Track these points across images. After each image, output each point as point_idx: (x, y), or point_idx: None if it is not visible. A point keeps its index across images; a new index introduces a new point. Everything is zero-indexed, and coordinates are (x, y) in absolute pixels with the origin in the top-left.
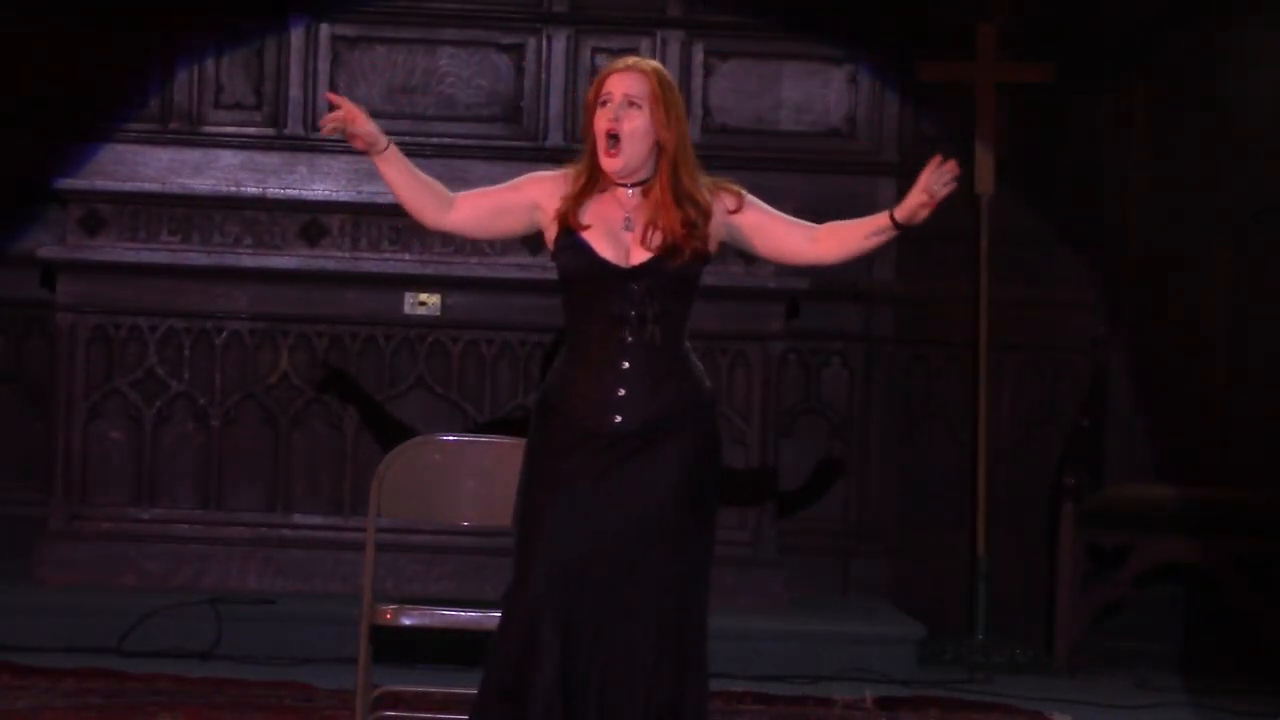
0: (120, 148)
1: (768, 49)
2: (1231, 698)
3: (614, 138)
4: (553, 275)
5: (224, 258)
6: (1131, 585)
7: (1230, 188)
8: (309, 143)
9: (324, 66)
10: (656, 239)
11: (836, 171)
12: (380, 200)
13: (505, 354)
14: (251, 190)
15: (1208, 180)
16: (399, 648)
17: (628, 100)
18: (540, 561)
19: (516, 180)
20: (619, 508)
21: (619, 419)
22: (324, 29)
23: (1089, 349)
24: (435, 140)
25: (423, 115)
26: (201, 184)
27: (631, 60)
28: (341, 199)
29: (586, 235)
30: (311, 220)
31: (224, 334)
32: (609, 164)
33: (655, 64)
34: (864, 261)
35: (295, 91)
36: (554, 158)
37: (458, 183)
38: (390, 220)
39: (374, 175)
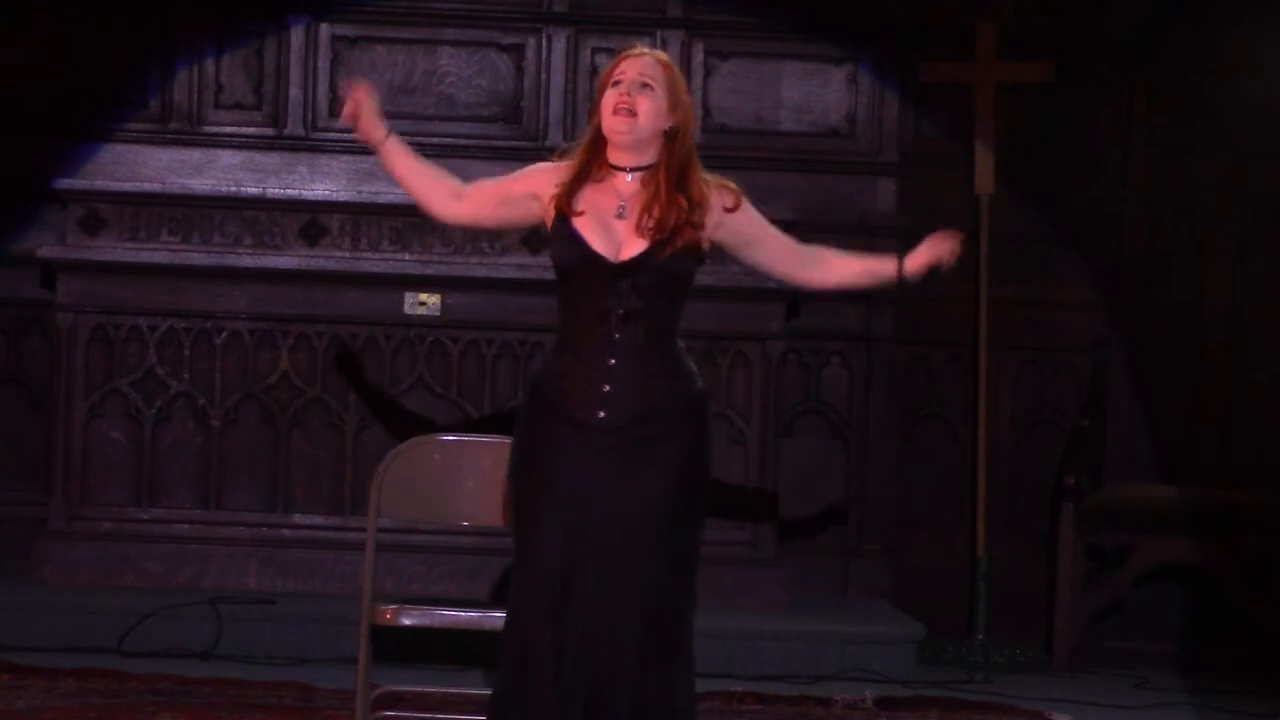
0: (120, 148)
1: (768, 49)
2: (1231, 698)
3: (623, 112)
4: (553, 276)
5: (224, 258)
6: (1131, 585)
7: (1230, 188)
8: (309, 143)
9: (324, 66)
10: (652, 224)
11: (836, 171)
12: (380, 200)
13: (505, 354)
14: (251, 190)
15: (1208, 180)
16: (399, 648)
17: (641, 81)
18: (535, 569)
19: (521, 170)
20: (611, 510)
21: (603, 414)
22: (324, 29)
23: (1089, 349)
24: (435, 140)
25: (423, 115)
26: (201, 184)
27: (645, 48)
28: (341, 199)
29: (579, 224)
30: (311, 220)
31: (224, 334)
32: (617, 122)
33: (667, 55)
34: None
35: (295, 91)
36: None
37: None
38: (390, 220)
39: (374, 175)
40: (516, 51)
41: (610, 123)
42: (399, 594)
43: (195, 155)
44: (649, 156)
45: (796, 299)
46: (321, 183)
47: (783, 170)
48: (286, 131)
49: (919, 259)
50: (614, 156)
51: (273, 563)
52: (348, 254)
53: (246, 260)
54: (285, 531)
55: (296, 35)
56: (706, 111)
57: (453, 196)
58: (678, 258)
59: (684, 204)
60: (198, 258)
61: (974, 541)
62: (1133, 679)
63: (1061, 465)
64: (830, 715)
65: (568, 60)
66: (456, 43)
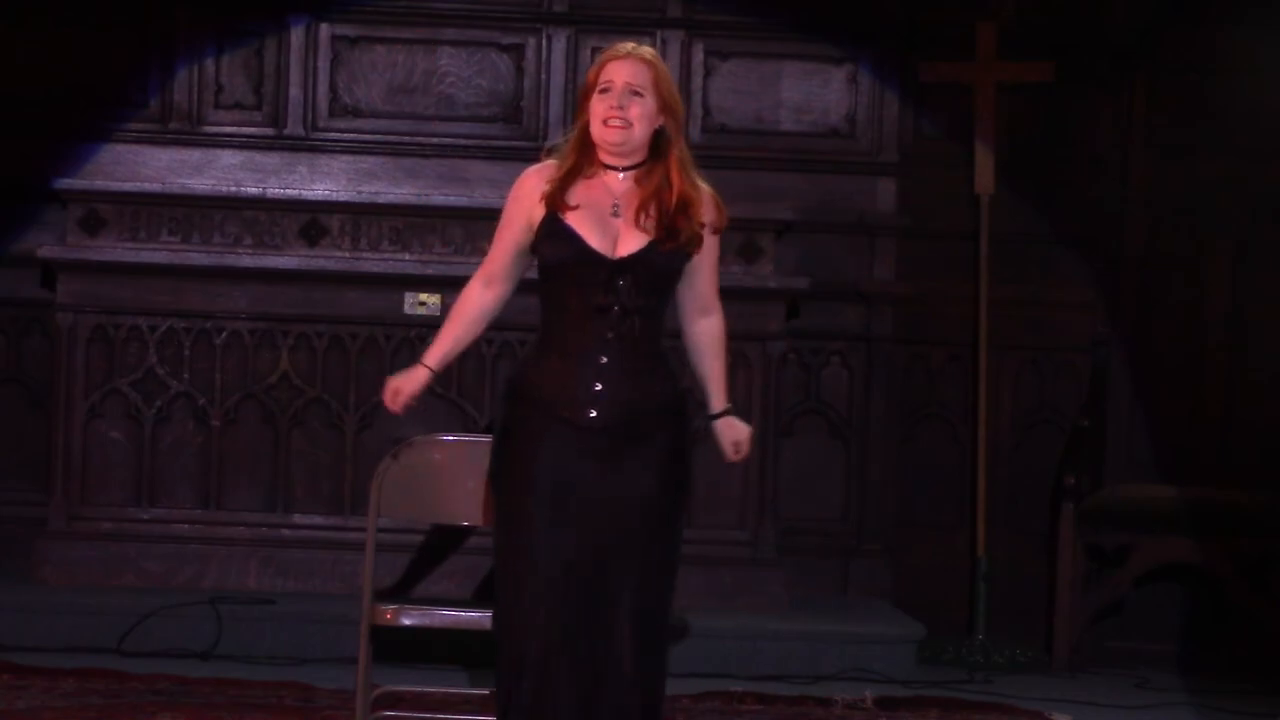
0: (120, 148)
1: (768, 49)
2: (1231, 698)
3: (614, 123)
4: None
5: (224, 258)
6: (1131, 585)
7: (1230, 187)
8: (309, 143)
9: (324, 66)
10: (650, 221)
11: (836, 171)
12: (380, 200)
13: (505, 354)
14: (251, 190)
15: (1208, 180)
16: (399, 648)
17: (630, 89)
18: (532, 572)
19: (505, 217)
20: (604, 510)
21: (594, 414)
22: (324, 29)
23: (1089, 349)
24: (435, 140)
25: (423, 115)
26: (201, 184)
27: (630, 47)
28: (341, 199)
29: (573, 220)
30: (311, 220)
31: (224, 334)
32: (611, 134)
33: (653, 51)
34: (864, 261)
35: (295, 91)
36: None
37: (458, 183)
38: (390, 220)
39: (374, 175)
40: (516, 51)
41: (603, 134)
42: (399, 594)
43: (195, 155)
44: (641, 155)
45: (796, 299)
46: (321, 183)
47: (783, 170)
48: (286, 131)
49: (724, 437)
50: (605, 157)
51: (273, 563)
52: (348, 254)
53: (246, 260)
54: (285, 531)
55: (296, 35)
56: (706, 111)
57: (487, 301)
58: (675, 254)
59: (680, 199)
60: (198, 258)
61: (974, 541)
62: (1133, 679)
63: (1061, 465)
64: (830, 715)
65: (568, 60)
66: (456, 43)
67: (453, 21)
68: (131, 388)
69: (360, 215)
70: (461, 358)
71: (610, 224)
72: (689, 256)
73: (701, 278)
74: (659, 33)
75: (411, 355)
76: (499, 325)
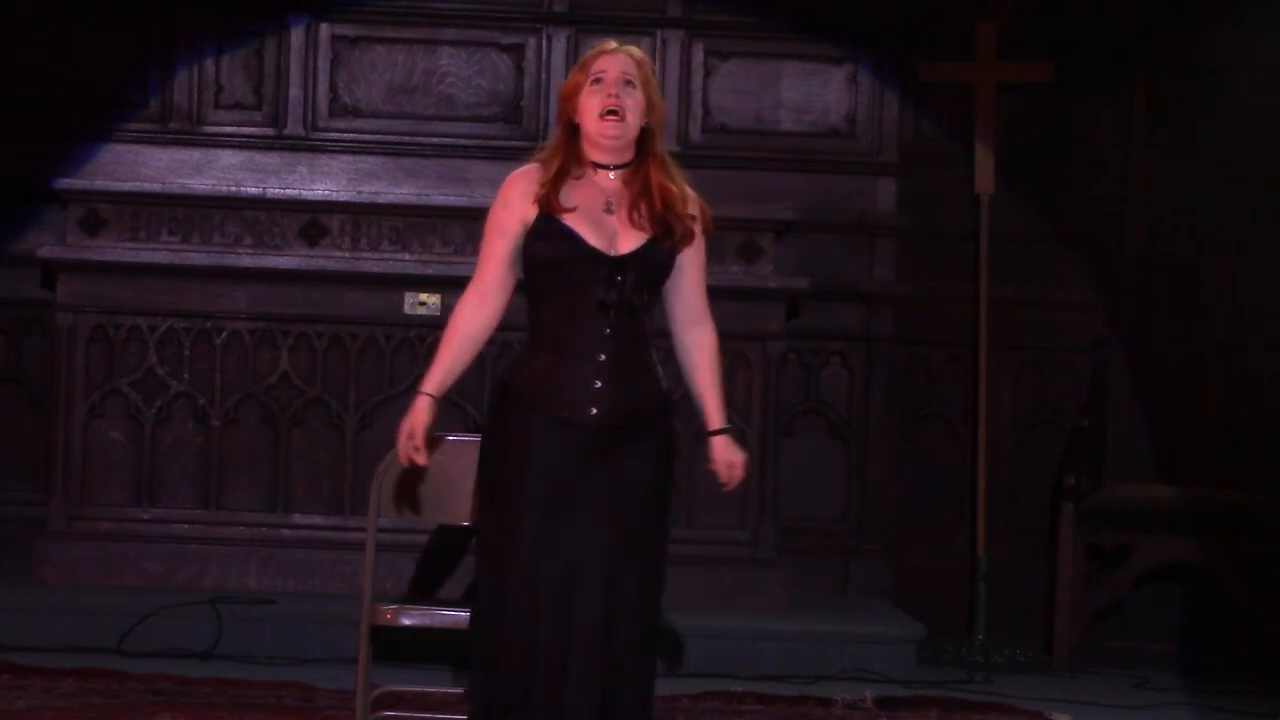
0: (120, 148)
1: (768, 49)
2: (1231, 698)
3: (615, 112)
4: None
5: (224, 258)
6: (1131, 585)
7: (1230, 187)
8: (309, 143)
9: (324, 66)
10: (644, 218)
11: (836, 171)
12: (380, 200)
13: (505, 354)
14: (251, 190)
15: (1208, 180)
16: (399, 648)
17: (624, 79)
18: (532, 573)
19: (495, 224)
20: (601, 508)
21: (594, 411)
22: (324, 29)
23: (1089, 349)
24: (435, 140)
25: (423, 115)
26: (201, 184)
27: (616, 44)
28: (341, 199)
29: (570, 220)
30: (311, 220)
31: (224, 334)
32: (609, 126)
33: (637, 49)
34: (864, 261)
35: (295, 91)
36: None
37: (458, 183)
38: (390, 220)
39: (374, 175)
40: (516, 51)
41: (600, 126)
42: (399, 594)
43: (195, 155)
44: (630, 153)
45: (796, 299)
46: (321, 183)
47: (783, 170)
48: (286, 131)
49: (718, 458)
50: (596, 155)
51: (273, 563)
52: (348, 254)
53: (246, 260)
54: (285, 531)
55: (296, 35)
56: (706, 111)
57: (486, 316)
58: (670, 251)
59: (673, 195)
60: (198, 258)
61: (974, 541)
62: (1133, 679)
63: (1061, 465)
64: (830, 715)
65: (568, 60)
66: (456, 43)
67: (453, 21)
68: (131, 388)
69: (360, 215)
70: None
71: (606, 222)
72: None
73: (689, 284)
74: (659, 33)
75: (411, 355)
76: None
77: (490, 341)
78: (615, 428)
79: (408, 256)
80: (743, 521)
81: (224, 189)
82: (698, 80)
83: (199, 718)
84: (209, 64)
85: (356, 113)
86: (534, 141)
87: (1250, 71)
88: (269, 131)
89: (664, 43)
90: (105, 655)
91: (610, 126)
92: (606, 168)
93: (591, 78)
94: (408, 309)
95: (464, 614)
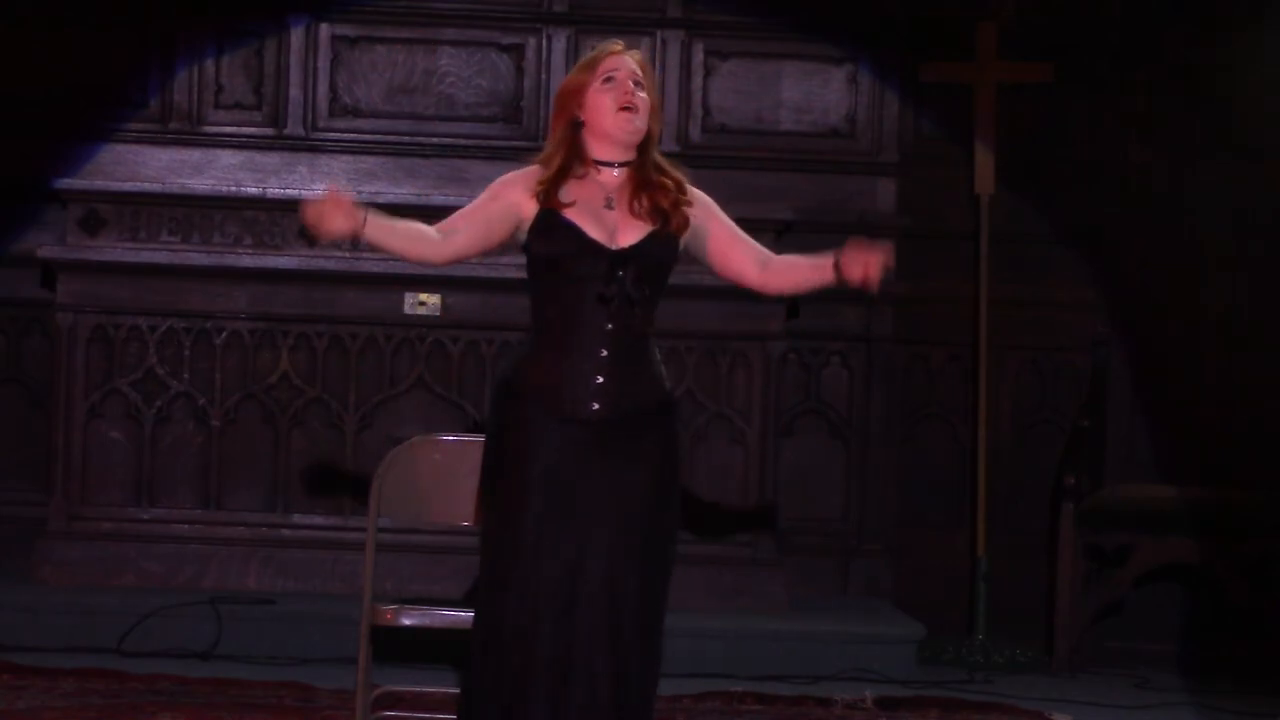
0: (120, 148)
1: (768, 49)
2: (1231, 698)
3: (631, 107)
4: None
5: (224, 258)
6: (1131, 585)
7: (1230, 187)
8: (309, 143)
9: (324, 66)
10: (644, 211)
11: (836, 171)
12: (380, 200)
13: (505, 354)
14: (251, 190)
15: (1208, 180)
16: (399, 648)
17: (635, 79)
18: (536, 573)
19: (489, 189)
20: (607, 506)
21: (596, 406)
22: (324, 29)
23: (1089, 349)
24: (435, 140)
25: (423, 115)
26: (201, 184)
27: (620, 45)
28: None
29: (571, 214)
30: None
31: (224, 334)
32: (626, 121)
33: (637, 51)
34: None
35: (295, 91)
36: None
37: (458, 183)
38: None
39: (374, 175)
40: (516, 51)
41: (617, 120)
42: (399, 594)
43: (195, 155)
44: (633, 151)
45: (797, 299)
46: (321, 183)
47: (783, 170)
48: (286, 131)
49: (851, 262)
50: (601, 152)
51: (273, 563)
52: (347, 254)
53: (246, 260)
54: (285, 531)
55: (296, 35)
56: (706, 111)
57: (440, 240)
58: (670, 242)
59: (671, 185)
60: (198, 258)
61: (974, 541)
62: (1133, 679)
63: (1061, 465)
64: (830, 715)
65: (568, 60)
66: (456, 43)
67: (453, 21)
68: (131, 388)
69: None
70: (461, 358)
71: (606, 216)
72: (679, 245)
73: (739, 243)
74: (659, 33)
75: (411, 355)
76: (499, 325)
77: (489, 341)
78: (617, 423)
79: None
80: (743, 521)
81: (224, 189)
82: (698, 80)
83: (199, 718)
84: (209, 64)
85: (356, 113)
86: (534, 141)
87: (1250, 72)
88: (269, 131)
89: (664, 43)
90: (105, 655)
91: (627, 120)
92: (609, 165)
93: (602, 76)
94: (407, 309)
95: (464, 614)
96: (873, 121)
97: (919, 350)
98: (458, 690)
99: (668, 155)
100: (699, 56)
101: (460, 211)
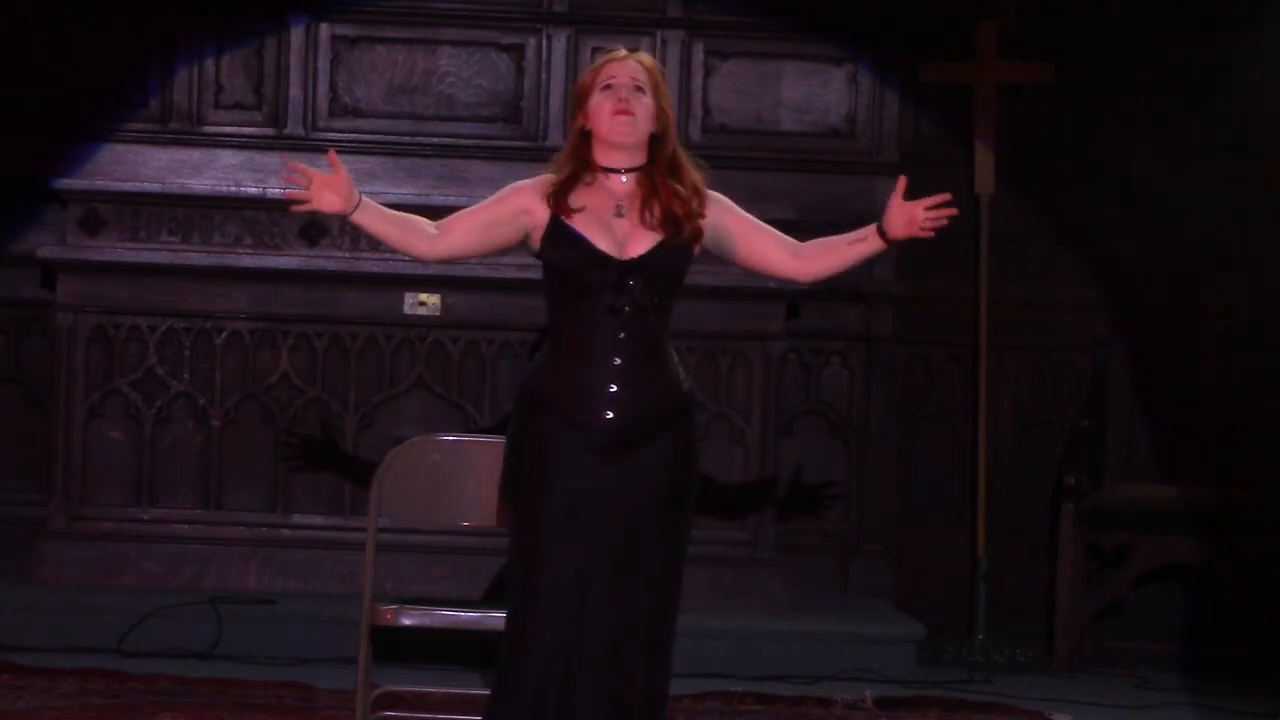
0: (120, 148)
1: (768, 49)
2: (1231, 698)
3: (625, 113)
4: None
5: (224, 258)
6: (1131, 585)
7: (1230, 187)
8: (309, 143)
9: (324, 66)
10: (655, 220)
11: (836, 171)
12: (380, 200)
13: (505, 354)
14: (251, 190)
15: (1208, 180)
16: (399, 648)
17: (634, 84)
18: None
19: (499, 193)
20: (619, 510)
21: (610, 414)
22: (324, 29)
23: (1089, 349)
24: (435, 140)
25: (423, 115)
26: (201, 184)
27: (625, 51)
28: None
29: (578, 223)
30: (311, 220)
31: (224, 334)
32: (620, 125)
33: (648, 55)
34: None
35: (295, 91)
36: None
37: (458, 183)
38: None
39: (374, 175)
40: (516, 51)
41: (611, 124)
42: (399, 594)
43: (195, 155)
44: (641, 157)
45: (796, 299)
46: None
47: (783, 170)
48: (286, 131)
49: (895, 215)
50: (607, 159)
51: (273, 563)
52: (347, 254)
53: (246, 260)
54: (285, 531)
55: (296, 35)
56: (706, 111)
57: (433, 234)
58: (681, 252)
59: (684, 192)
60: (198, 258)
61: (974, 541)
62: (1133, 679)
63: (1061, 465)
64: (830, 715)
65: (568, 60)
66: (456, 43)
67: (453, 21)
68: (131, 388)
69: None
70: (461, 358)
71: (615, 225)
72: (692, 255)
73: (764, 236)
74: (659, 33)
75: (411, 355)
76: (499, 325)
77: (489, 341)
78: (632, 430)
79: (408, 257)
80: (742, 522)
81: (224, 189)
82: (698, 80)
83: (199, 718)
84: (209, 64)
85: (356, 113)
86: (534, 141)
87: (1250, 71)
88: (269, 131)
89: (664, 43)
90: (105, 655)
91: (621, 124)
92: (617, 171)
93: (602, 83)
94: (407, 309)
95: (464, 614)
96: (873, 121)
97: (919, 350)
98: (458, 690)
99: None
100: (699, 56)
101: (463, 211)
